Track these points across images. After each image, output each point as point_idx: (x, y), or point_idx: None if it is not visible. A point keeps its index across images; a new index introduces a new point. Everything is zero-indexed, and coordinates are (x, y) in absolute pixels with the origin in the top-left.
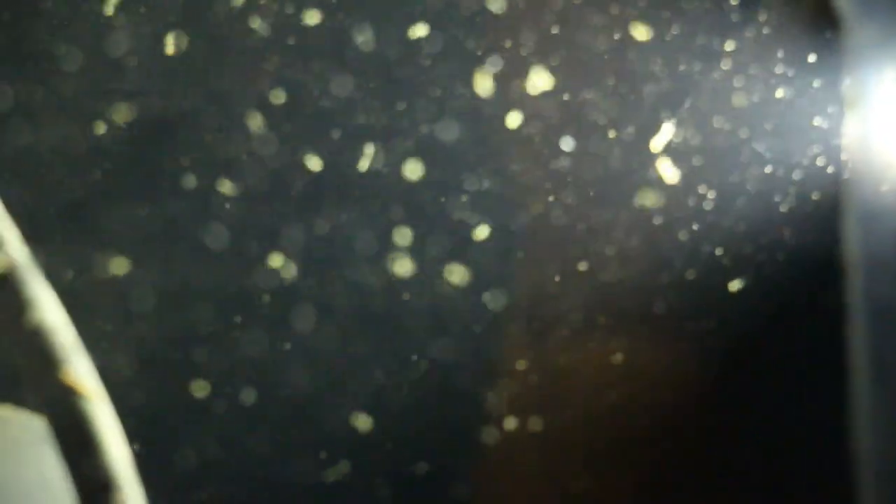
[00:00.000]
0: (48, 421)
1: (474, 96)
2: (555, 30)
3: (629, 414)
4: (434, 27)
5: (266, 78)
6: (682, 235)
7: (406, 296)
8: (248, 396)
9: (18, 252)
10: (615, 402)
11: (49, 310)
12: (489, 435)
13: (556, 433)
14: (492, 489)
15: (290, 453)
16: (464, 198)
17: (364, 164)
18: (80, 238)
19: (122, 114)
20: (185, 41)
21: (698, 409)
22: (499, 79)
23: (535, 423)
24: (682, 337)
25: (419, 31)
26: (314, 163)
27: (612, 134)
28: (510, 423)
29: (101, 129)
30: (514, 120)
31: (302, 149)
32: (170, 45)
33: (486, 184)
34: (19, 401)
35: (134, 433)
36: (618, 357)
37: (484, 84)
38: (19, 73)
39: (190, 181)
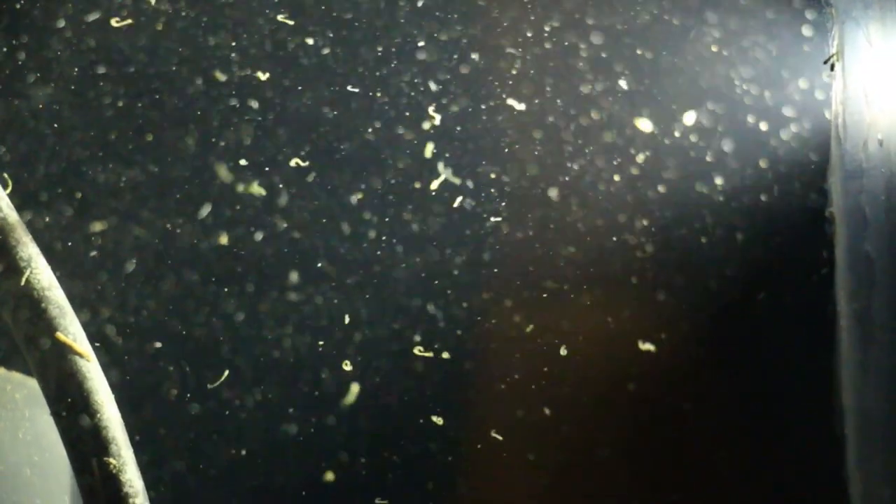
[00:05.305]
0: (40, 382)
1: None
2: None
3: (624, 370)
4: None
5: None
6: (672, 193)
7: (404, 265)
8: (236, 355)
9: (8, 214)
10: (611, 367)
11: (40, 271)
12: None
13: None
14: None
15: (277, 414)
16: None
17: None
18: (68, 200)
19: (109, 77)
20: (174, 5)
21: (686, 366)
22: None
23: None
24: (669, 293)
25: None
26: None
27: (602, 100)
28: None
29: (88, 92)
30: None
31: (295, 120)
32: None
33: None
34: (12, 363)
35: (124, 393)
36: (610, 320)
37: None
38: (5, 38)
39: (178, 143)
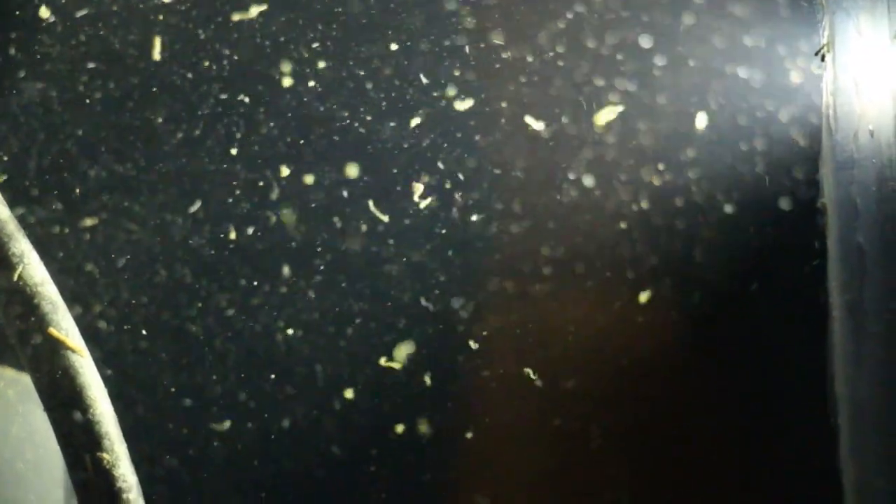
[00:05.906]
0: (33, 377)
1: None
2: None
3: (617, 363)
4: None
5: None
6: (663, 186)
7: (397, 261)
8: (228, 350)
9: (1, 210)
10: (603, 360)
11: (33, 266)
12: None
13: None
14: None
15: (271, 409)
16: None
17: (355, 127)
18: (60, 195)
19: (100, 71)
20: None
21: (677, 355)
22: None
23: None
24: (662, 286)
25: None
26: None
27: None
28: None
29: (78, 87)
30: None
31: (286, 114)
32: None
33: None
34: (5, 359)
35: (117, 389)
36: (604, 314)
37: None
38: None
39: (169, 139)
